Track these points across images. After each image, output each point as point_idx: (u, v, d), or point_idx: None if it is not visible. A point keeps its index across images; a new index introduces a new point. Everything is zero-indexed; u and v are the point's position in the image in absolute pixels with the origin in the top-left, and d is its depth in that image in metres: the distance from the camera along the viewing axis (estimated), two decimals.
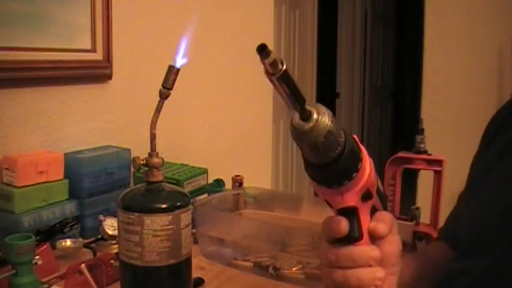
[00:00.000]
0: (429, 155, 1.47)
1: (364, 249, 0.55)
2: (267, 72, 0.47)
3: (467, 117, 2.89)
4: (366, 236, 0.56)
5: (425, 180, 1.61)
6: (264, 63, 0.46)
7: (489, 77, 2.83)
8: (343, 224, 0.54)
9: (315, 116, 0.47)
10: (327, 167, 0.50)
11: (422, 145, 1.49)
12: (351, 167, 0.52)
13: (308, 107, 0.48)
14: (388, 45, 5.15)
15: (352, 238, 0.55)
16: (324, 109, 0.48)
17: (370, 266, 0.55)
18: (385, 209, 0.61)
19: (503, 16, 2.74)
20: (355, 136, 0.54)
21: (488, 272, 0.63)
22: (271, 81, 0.48)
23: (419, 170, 1.46)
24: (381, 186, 0.60)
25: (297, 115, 0.48)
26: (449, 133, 2.88)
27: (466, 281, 0.65)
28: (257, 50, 0.46)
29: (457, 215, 0.81)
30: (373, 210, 0.58)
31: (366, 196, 0.56)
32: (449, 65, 2.96)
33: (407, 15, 5.24)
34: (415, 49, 3.93)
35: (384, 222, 0.58)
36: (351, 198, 0.54)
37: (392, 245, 0.59)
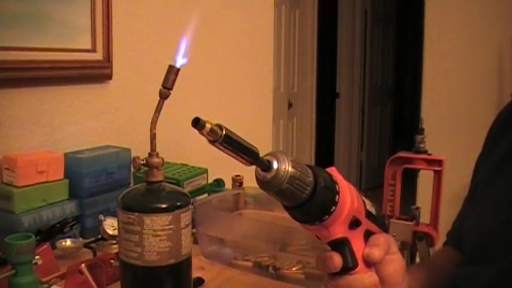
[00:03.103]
0: (429, 155, 1.47)
1: (361, 277, 0.56)
2: (209, 141, 0.50)
3: (467, 117, 2.89)
4: (361, 263, 0.57)
5: (425, 180, 1.61)
6: (203, 134, 0.50)
7: (489, 77, 2.83)
8: (336, 259, 0.55)
9: (274, 165, 0.49)
10: (302, 207, 0.52)
11: (422, 145, 1.49)
12: (327, 202, 0.53)
13: (267, 157, 0.50)
14: (388, 45, 5.15)
15: (347, 268, 0.56)
16: (283, 156, 0.50)
17: None
18: (384, 228, 0.61)
19: (503, 16, 2.74)
20: (332, 169, 0.55)
21: (499, 279, 0.62)
22: (218, 147, 0.50)
23: (419, 169, 1.46)
24: (372, 209, 0.60)
25: (258, 169, 0.50)
26: (449, 133, 2.88)
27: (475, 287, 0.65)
28: (192, 124, 0.50)
29: (463, 218, 0.80)
30: (368, 234, 0.59)
31: (354, 224, 0.56)
32: (449, 65, 2.95)
33: (407, 15, 5.24)
34: (415, 49, 3.94)
35: (377, 246, 0.58)
36: (338, 230, 0.55)
37: (393, 264, 0.59)
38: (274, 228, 1.04)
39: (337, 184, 0.54)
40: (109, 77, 1.41)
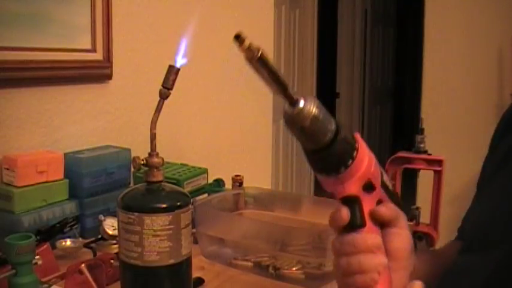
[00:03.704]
0: (429, 155, 1.47)
1: (365, 236, 0.57)
2: (246, 58, 0.52)
3: (467, 117, 2.89)
4: (369, 224, 0.58)
5: (425, 180, 1.61)
6: (240, 50, 0.52)
7: (489, 77, 2.83)
8: (344, 212, 0.57)
9: (301, 103, 0.52)
10: (321, 152, 0.54)
11: (422, 145, 1.49)
12: (345, 154, 0.55)
13: (297, 96, 0.52)
14: (388, 45, 5.15)
15: (355, 226, 0.57)
16: (312, 99, 0.53)
17: (372, 252, 0.57)
18: (399, 207, 0.63)
19: (503, 16, 2.74)
20: (357, 134, 0.57)
21: (489, 267, 0.63)
22: (252, 67, 0.52)
23: (419, 170, 1.46)
24: (388, 183, 0.62)
25: (287, 103, 0.53)
26: (449, 133, 2.88)
27: (472, 277, 0.65)
28: (234, 38, 0.51)
29: (467, 214, 0.82)
30: None
31: (368, 187, 0.58)
32: (449, 65, 2.96)
33: (407, 15, 5.24)
34: (415, 49, 3.94)
35: (386, 207, 0.60)
36: (352, 188, 0.57)
37: (400, 238, 0.61)
38: (274, 228, 1.04)
39: (357, 143, 0.56)
40: (109, 77, 1.41)
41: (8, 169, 1.10)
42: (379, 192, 0.60)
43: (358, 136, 0.57)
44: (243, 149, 2.05)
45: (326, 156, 0.55)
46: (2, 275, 0.79)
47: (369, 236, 0.58)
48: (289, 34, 3.27)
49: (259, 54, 0.51)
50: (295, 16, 3.33)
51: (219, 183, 1.37)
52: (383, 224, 0.61)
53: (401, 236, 0.61)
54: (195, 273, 0.91)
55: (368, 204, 0.59)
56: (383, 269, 0.57)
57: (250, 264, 1.03)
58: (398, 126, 5.43)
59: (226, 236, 1.08)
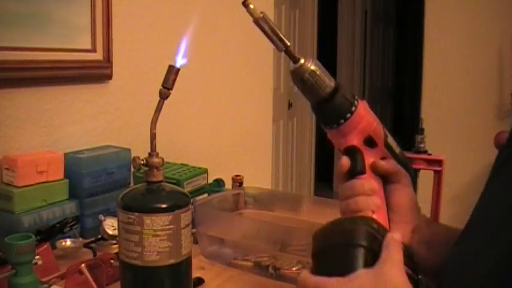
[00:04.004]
0: (429, 155, 1.47)
1: (362, 181, 0.65)
2: (253, 21, 0.65)
3: (467, 117, 2.89)
4: (369, 173, 0.66)
5: (425, 180, 1.61)
6: (248, 12, 0.65)
7: (489, 77, 2.83)
8: (344, 160, 0.65)
9: (302, 60, 0.64)
10: (322, 105, 0.65)
11: (422, 145, 1.49)
12: (343, 108, 0.65)
13: (299, 56, 0.64)
14: (388, 45, 5.15)
15: (355, 172, 0.65)
16: (312, 59, 0.65)
17: (368, 195, 0.64)
18: (407, 170, 0.70)
19: (503, 16, 2.74)
20: (363, 101, 0.67)
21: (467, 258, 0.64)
22: (259, 27, 0.65)
23: (419, 170, 1.46)
24: (396, 148, 0.70)
25: (291, 62, 0.65)
26: (449, 133, 2.88)
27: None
28: (242, 4, 0.65)
29: None
30: None
31: (370, 142, 0.67)
32: (449, 65, 2.95)
33: (407, 15, 5.24)
34: (415, 49, 3.93)
35: (386, 162, 0.67)
36: (353, 139, 0.66)
37: (401, 193, 0.67)
38: (274, 228, 1.04)
39: (358, 101, 0.66)
40: (109, 77, 1.41)
41: (8, 169, 1.10)
42: (381, 149, 0.67)
43: (362, 101, 0.66)
44: (243, 149, 2.05)
45: (327, 109, 0.64)
46: (2, 275, 0.79)
47: (366, 180, 0.65)
48: (289, 34, 3.27)
49: (261, 15, 0.64)
50: (295, 16, 3.33)
51: (219, 183, 1.37)
52: (386, 179, 0.67)
53: (402, 192, 0.67)
54: (195, 273, 0.91)
55: (370, 157, 0.66)
56: (377, 209, 0.63)
57: (250, 264, 1.03)
58: (398, 126, 5.42)
59: (226, 236, 1.08)
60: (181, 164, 1.41)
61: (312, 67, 0.64)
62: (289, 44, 0.64)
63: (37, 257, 0.84)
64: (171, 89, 0.73)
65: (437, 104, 2.99)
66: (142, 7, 1.52)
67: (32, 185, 1.10)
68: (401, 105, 5.56)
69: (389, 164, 0.67)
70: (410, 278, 0.56)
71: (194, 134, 1.77)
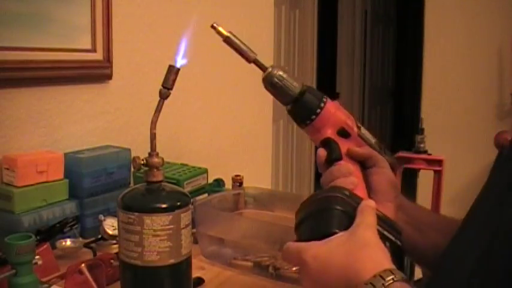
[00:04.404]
0: (429, 155, 1.47)
1: (339, 166, 0.71)
2: (222, 39, 0.73)
3: (467, 117, 2.89)
4: (345, 159, 0.72)
5: (425, 180, 1.61)
6: (217, 33, 0.73)
7: (489, 77, 2.83)
8: (321, 151, 0.73)
9: (269, 68, 0.73)
10: (294, 105, 0.72)
11: (422, 145, 1.49)
12: (313, 105, 0.72)
13: (267, 64, 0.74)
14: (388, 45, 5.15)
15: (332, 160, 0.72)
16: (279, 66, 0.73)
17: (345, 177, 0.69)
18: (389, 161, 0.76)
19: (503, 16, 2.75)
20: (331, 100, 0.74)
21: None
22: (227, 44, 0.74)
23: (419, 169, 1.46)
24: (370, 137, 0.77)
25: (259, 67, 0.74)
26: (449, 133, 2.88)
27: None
28: (211, 26, 0.72)
29: None
30: None
31: (343, 133, 0.73)
32: (449, 65, 2.96)
33: (407, 15, 5.24)
34: (415, 49, 3.93)
35: (360, 148, 0.73)
36: (327, 132, 0.73)
37: (378, 174, 0.73)
38: (274, 228, 1.04)
39: (326, 99, 0.73)
40: (109, 77, 1.41)
41: (8, 169, 1.10)
42: (356, 139, 0.74)
43: (332, 100, 0.74)
44: (243, 149, 2.05)
45: (299, 107, 0.72)
46: (2, 275, 0.79)
47: (343, 166, 0.71)
48: (289, 34, 3.26)
49: (228, 34, 0.73)
50: (295, 16, 3.33)
51: (219, 183, 1.37)
52: (363, 165, 0.73)
53: (380, 173, 0.73)
54: (195, 273, 0.91)
55: (345, 146, 0.73)
56: (355, 187, 0.68)
57: (250, 264, 1.02)
58: (399, 126, 5.42)
59: (226, 236, 1.08)
60: (181, 164, 1.41)
61: (280, 72, 0.72)
62: (256, 55, 0.73)
63: (37, 257, 0.84)
64: (171, 89, 0.73)
65: (437, 104, 2.99)
66: (142, 7, 1.52)
67: (32, 185, 1.10)
68: (401, 105, 5.56)
69: (363, 149, 0.74)
70: (386, 238, 0.61)
71: (194, 134, 1.77)
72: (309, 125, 0.73)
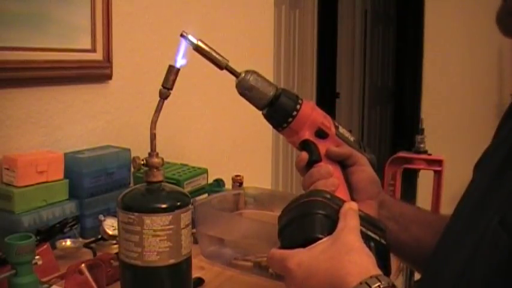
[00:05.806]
0: (429, 155, 1.47)
1: (319, 168, 0.71)
2: (193, 47, 0.71)
3: (467, 117, 2.89)
4: (325, 160, 0.72)
5: (425, 180, 1.61)
6: (188, 42, 0.71)
7: (489, 77, 2.83)
8: (303, 154, 0.72)
9: (242, 74, 0.73)
10: (270, 109, 0.72)
11: (422, 145, 1.49)
12: (289, 106, 0.72)
13: (240, 71, 0.73)
14: (388, 45, 5.15)
15: (311, 161, 0.72)
16: (252, 71, 0.73)
17: (326, 178, 0.70)
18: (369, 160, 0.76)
19: None
20: (306, 101, 0.74)
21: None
22: (197, 51, 0.72)
23: (419, 170, 1.46)
24: (349, 136, 0.77)
25: (232, 74, 0.73)
26: (449, 133, 2.88)
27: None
28: (180, 35, 0.70)
29: None
30: None
31: (321, 134, 0.73)
32: (449, 65, 2.96)
33: (407, 15, 5.24)
34: (415, 49, 3.93)
35: (338, 148, 0.73)
36: (305, 133, 0.73)
37: (358, 173, 0.73)
38: (274, 228, 1.03)
39: (301, 100, 0.73)
40: (109, 77, 1.41)
41: (8, 169, 1.10)
42: (334, 139, 0.74)
43: (308, 101, 0.74)
44: (243, 149, 2.05)
45: (275, 111, 0.72)
46: (2, 275, 0.79)
47: (322, 167, 0.71)
48: (289, 34, 3.26)
49: (198, 42, 0.71)
50: (295, 16, 3.33)
51: (219, 183, 1.37)
52: (343, 164, 0.73)
53: (360, 171, 0.73)
54: (195, 273, 0.91)
55: (324, 147, 0.73)
56: (335, 188, 0.69)
57: (250, 264, 1.02)
58: (399, 126, 5.43)
59: (226, 236, 1.08)
60: (181, 164, 1.41)
61: (253, 76, 0.72)
62: (228, 61, 0.72)
63: (37, 257, 0.84)
64: (171, 89, 0.73)
65: (437, 104, 2.99)
66: (142, 7, 1.52)
67: (32, 185, 1.10)
68: (401, 106, 5.56)
69: (342, 149, 0.73)
70: (370, 238, 0.61)
71: (194, 134, 1.77)
72: (286, 128, 0.73)
